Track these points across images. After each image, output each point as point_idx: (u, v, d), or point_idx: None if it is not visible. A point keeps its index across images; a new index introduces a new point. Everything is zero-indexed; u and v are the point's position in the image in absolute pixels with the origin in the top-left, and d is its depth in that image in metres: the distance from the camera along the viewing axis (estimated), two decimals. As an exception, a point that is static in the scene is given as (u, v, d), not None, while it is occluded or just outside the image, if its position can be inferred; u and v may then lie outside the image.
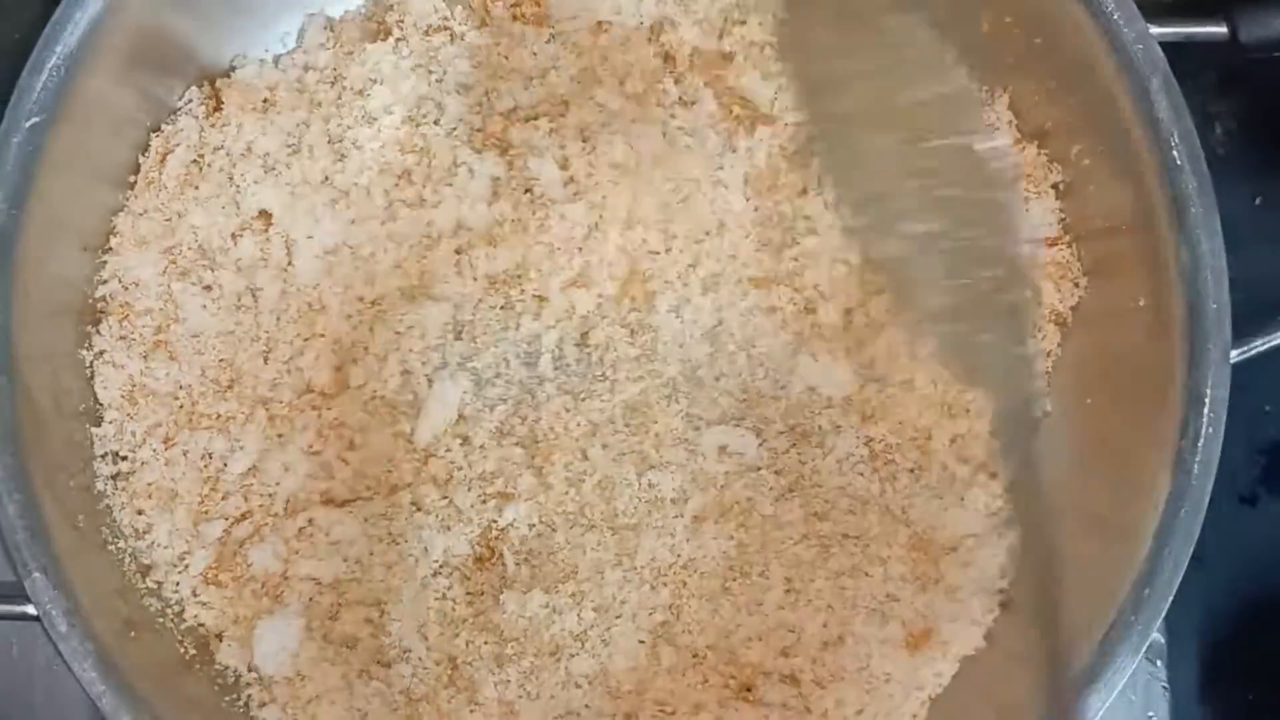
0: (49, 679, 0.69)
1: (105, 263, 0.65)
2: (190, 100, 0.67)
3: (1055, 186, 0.67)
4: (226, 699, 0.62)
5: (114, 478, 0.64)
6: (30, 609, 0.55)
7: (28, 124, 0.58)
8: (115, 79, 0.63)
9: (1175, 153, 0.60)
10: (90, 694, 0.55)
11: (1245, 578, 0.68)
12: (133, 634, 0.59)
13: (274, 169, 0.67)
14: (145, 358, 0.64)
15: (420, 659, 0.63)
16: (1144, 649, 0.58)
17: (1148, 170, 0.61)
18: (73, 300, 0.64)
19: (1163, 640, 0.71)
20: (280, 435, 0.65)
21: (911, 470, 0.67)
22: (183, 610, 0.63)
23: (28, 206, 0.59)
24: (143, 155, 0.66)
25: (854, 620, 0.65)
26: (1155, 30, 0.61)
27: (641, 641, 0.64)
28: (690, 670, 0.65)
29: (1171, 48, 0.61)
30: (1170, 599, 0.58)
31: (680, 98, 0.68)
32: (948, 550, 0.66)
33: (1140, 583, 0.58)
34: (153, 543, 0.63)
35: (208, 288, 0.66)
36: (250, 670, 0.63)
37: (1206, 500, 0.59)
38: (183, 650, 0.62)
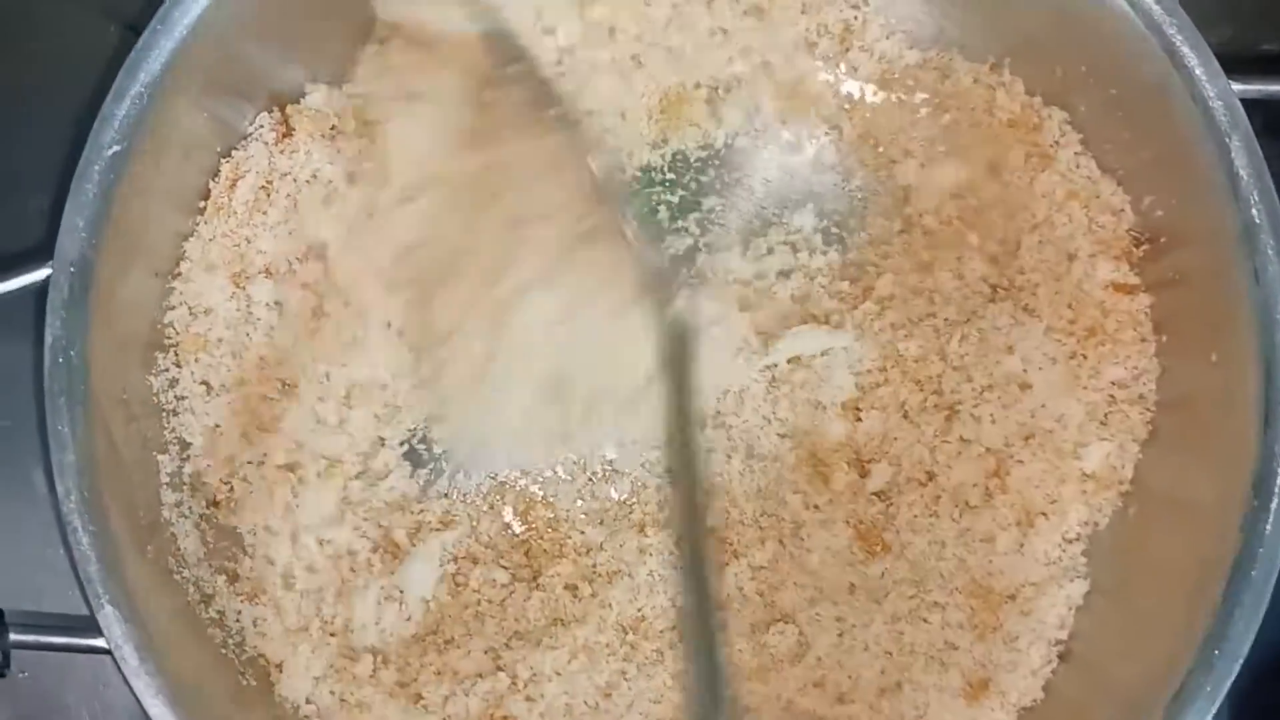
0: (95, 703, 0.69)
1: (174, 288, 0.65)
2: (261, 126, 0.67)
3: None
4: (288, 732, 0.62)
5: (178, 505, 0.63)
6: (100, 642, 0.55)
7: (109, 152, 0.58)
8: (192, 105, 0.63)
9: (1255, 211, 0.59)
10: (160, 729, 0.55)
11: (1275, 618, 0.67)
12: (199, 667, 0.59)
13: (334, 197, 0.67)
14: (212, 385, 0.65)
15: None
16: (1213, 713, 0.57)
17: (1224, 227, 0.60)
18: (142, 326, 0.63)
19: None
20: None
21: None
22: (243, 640, 0.63)
23: (105, 234, 0.58)
24: (213, 180, 0.66)
25: (912, 667, 0.65)
26: (1237, 87, 0.60)
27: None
28: (745, 717, 0.64)
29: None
30: (1240, 661, 0.57)
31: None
32: (1006, 598, 0.66)
33: (1209, 644, 0.57)
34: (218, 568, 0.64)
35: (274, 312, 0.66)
36: (309, 702, 0.63)
37: (1278, 563, 0.58)
38: (244, 682, 0.62)
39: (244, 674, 0.62)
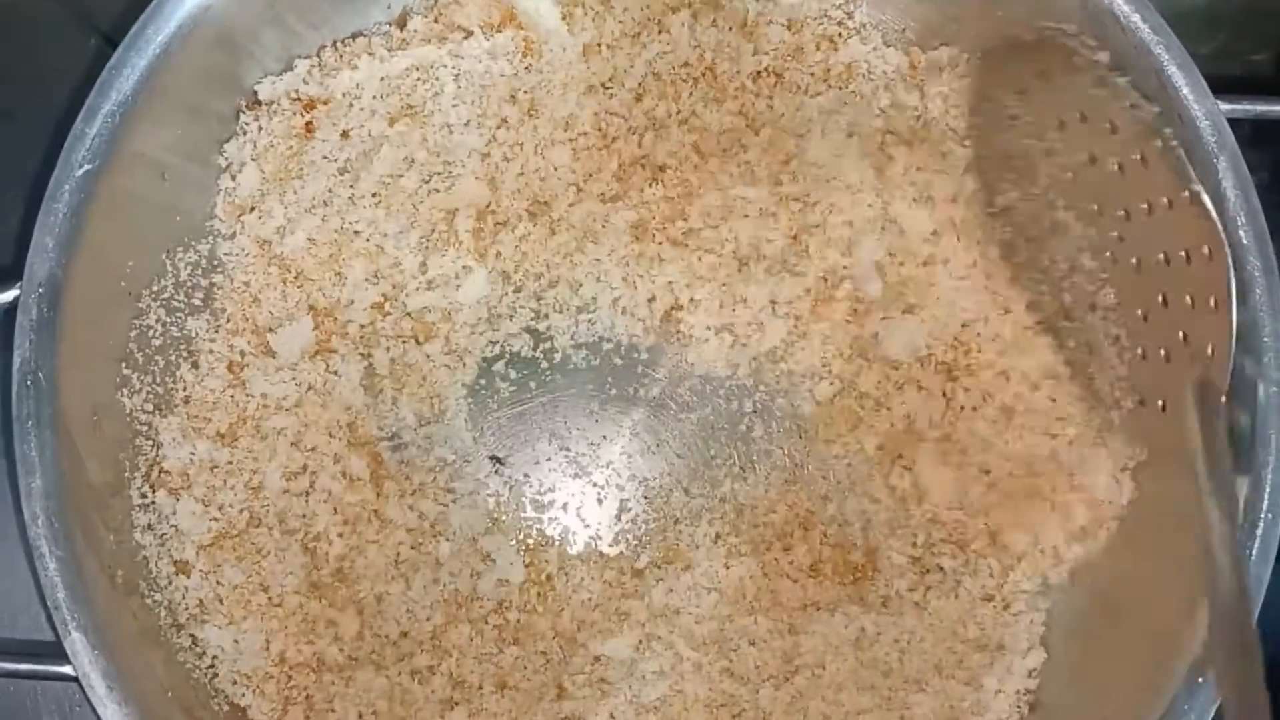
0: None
1: (148, 305, 0.64)
2: (244, 133, 0.66)
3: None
4: (261, 759, 0.62)
5: (150, 528, 0.63)
6: (68, 669, 0.54)
7: (80, 171, 0.57)
8: (165, 122, 0.62)
9: (1241, 232, 0.59)
10: (128, 758, 0.54)
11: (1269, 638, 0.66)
12: (170, 694, 0.58)
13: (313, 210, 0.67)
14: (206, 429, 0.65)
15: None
16: (1197, 740, 0.57)
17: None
18: (114, 347, 0.63)
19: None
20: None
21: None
22: (216, 666, 0.62)
23: (76, 254, 0.58)
24: (190, 196, 0.65)
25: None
26: (1224, 107, 0.60)
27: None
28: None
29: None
30: (1224, 690, 0.57)
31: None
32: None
33: (1194, 669, 0.57)
34: (189, 591, 0.63)
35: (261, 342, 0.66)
36: (282, 725, 0.62)
37: (1265, 583, 0.57)
38: (217, 707, 0.61)
39: (216, 698, 0.61)
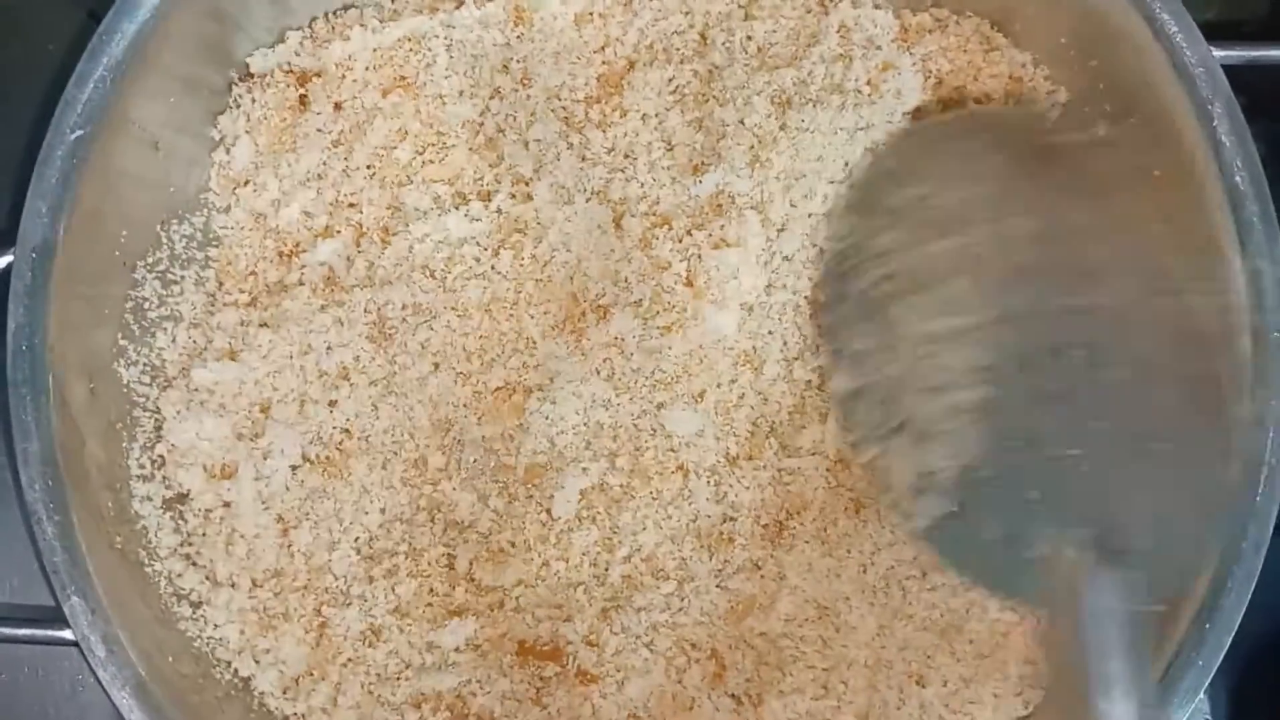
0: (71, 705, 0.68)
1: (143, 277, 0.64)
2: (237, 105, 0.66)
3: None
4: (266, 730, 0.61)
5: (149, 497, 0.62)
6: (68, 634, 0.54)
7: (72, 136, 0.57)
8: (156, 94, 0.62)
9: (1239, 178, 0.58)
10: (127, 721, 0.54)
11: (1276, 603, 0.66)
12: (171, 659, 0.58)
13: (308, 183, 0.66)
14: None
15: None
16: (1204, 686, 0.56)
17: (1210, 196, 0.59)
18: (110, 314, 0.62)
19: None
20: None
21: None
22: (218, 636, 0.62)
23: (69, 219, 0.58)
24: (183, 168, 0.65)
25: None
26: (1219, 53, 0.59)
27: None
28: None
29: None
30: (1232, 634, 0.56)
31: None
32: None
33: (1201, 618, 0.57)
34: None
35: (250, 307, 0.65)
36: (286, 696, 0.62)
37: (1269, 533, 0.57)
38: (219, 675, 0.61)
39: (217, 667, 0.61)
